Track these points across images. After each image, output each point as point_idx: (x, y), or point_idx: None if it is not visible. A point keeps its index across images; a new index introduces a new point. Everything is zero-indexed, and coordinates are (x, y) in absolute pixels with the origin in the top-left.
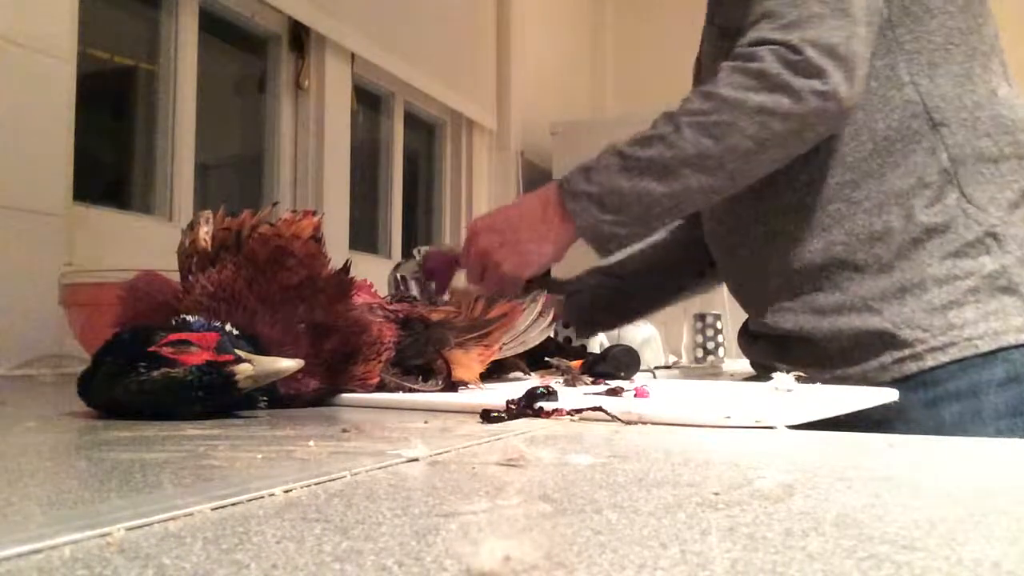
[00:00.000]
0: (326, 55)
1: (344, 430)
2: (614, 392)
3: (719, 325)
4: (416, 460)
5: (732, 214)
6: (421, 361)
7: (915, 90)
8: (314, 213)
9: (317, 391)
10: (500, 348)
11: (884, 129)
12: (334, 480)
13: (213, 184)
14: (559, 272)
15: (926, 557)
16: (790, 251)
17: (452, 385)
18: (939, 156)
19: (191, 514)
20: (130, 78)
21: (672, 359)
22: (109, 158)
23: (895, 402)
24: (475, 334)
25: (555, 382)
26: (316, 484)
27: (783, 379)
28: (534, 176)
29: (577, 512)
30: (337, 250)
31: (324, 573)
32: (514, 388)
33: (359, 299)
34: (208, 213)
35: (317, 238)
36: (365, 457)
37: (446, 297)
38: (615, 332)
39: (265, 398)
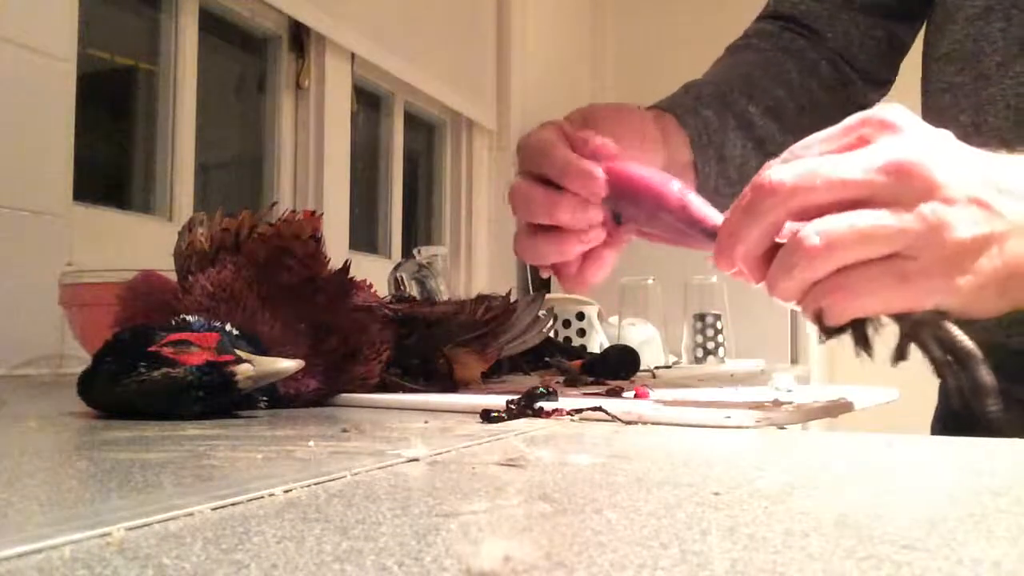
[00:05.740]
0: (326, 55)
1: (344, 430)
2: (614, 392)
3: (719, 325)
4: (416, 460)
5: None
6: (421, 361)
7: None
8: (314, 213)
9: (317, 391)
10: (500, 348)
11: None
12: (334, 480)
13: (213, 184)
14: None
15: (926, 557)
16: None
17: (452, 385)
18: None
19: (191, 514)
20: (130, 78)
21: (672, 359)
22: (109, 158)
23: None
24: (475, 334)
25: (555, 382)
26: (316, 484)
27: (783, 379)
28: None
29: (577, 512)
30: (337, 250)
31: (324, 573)
32: (514, 388)
33: (359, 299)
34: (203, 215)
35: (317, 238)
36: (365, 457)
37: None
38: (615, 332)
39: (265, 398)
